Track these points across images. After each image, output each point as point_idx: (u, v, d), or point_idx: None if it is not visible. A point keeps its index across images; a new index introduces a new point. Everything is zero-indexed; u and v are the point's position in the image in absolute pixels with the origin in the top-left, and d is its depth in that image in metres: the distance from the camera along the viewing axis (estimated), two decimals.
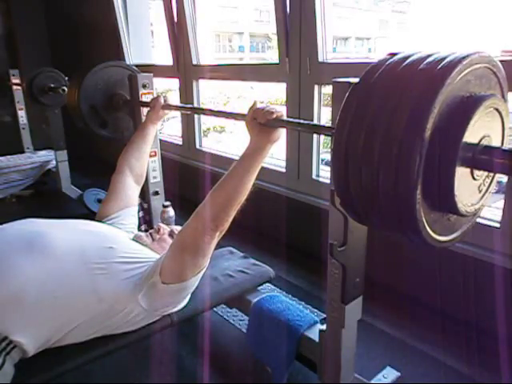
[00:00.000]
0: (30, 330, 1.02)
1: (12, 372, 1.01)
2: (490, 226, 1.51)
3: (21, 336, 1.01)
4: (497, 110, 0.69)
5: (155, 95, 1.74)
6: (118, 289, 1.13)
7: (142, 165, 1.65)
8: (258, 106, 1.12)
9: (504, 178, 1.43)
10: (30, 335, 1.02)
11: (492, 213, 1.54)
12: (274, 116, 1.07)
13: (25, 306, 1.03)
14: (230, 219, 1.13)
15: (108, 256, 1.18)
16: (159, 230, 1.44)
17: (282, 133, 1.15)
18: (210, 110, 1.51)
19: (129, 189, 1.57)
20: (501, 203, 1.49)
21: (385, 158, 0.63)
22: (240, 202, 1.12)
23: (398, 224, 0.69)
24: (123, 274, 1.16)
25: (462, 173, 0.66)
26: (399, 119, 0.62)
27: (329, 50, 1.98)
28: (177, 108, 1.78)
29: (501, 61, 0.72)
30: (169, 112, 1.72)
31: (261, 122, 1.09)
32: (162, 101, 1.63)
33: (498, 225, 1.49)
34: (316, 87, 2.03)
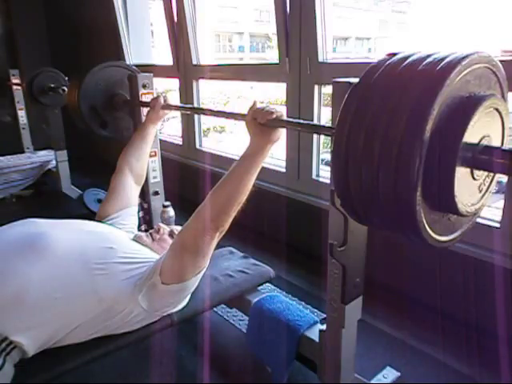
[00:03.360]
0: (30, 331, 1.02)
1: (12, 372, 1.01)
2: (489, 226, 1.51)
3: (21, 337, 1.01)
4: (497, 109, 0.69)
5: (155, 95, 1.74)
6: (118, 289, 1.13)
7: (142, 165, 1.65)
8: (258, 106, 1.11)
9: (504, 178, 1.43)
10: (31, 336, 1.02)
11: (492, 213, 1.54)
12: (274, 116, 1.07)
13: (25, 307, 1.03)
14: (231, 219, 1.13)
15: (108, 256, 1.18)
16: (159, 230, 1.44)
17: (282, 133, 1.15)
18: (210, 110, 1.51)
19: (129, 189, 1.57)
20: (501, 203, 1.49)
21: (385, 159, 0.63)
22: (240, 202, 1.12)
23: (398, 224, 0.69)
24: (123, 275, 1.16)
25: (462, 173, 0.66)
26: (399, 120, 0.62)
27: (329, 50, 1.98)
28: (177, 108, 1.78)
29: (501, 61, 0.72)
30: (169, 112, 1.72)
31: (261, 122, 1.09)
32: (162, 101, 1.63)
33: (498, 225, 1.49)
34: (316, 87, 2.03)
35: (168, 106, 1.66)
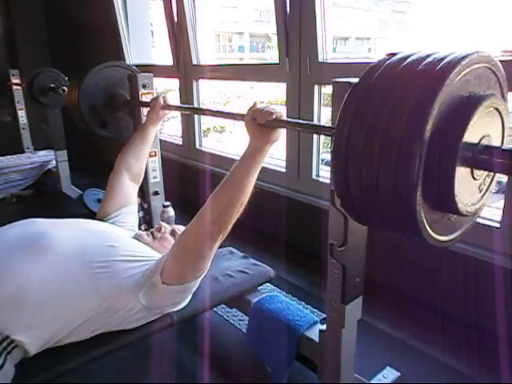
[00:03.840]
0: (31, 330, 1.03)
1: (13, 372, 1.01)
2: (490, 226, 1.51)
3: (22, 336, 1.01)
4: (497, 109, 0.69)
5: (155, 95, 1.74)
6: (120, 287, 1.13)
7: (141, 165, 1.65)
8: (258, 106, 1.11)
9: (504, 178, 1.43)
10: (32, 335, 1.03)
11: (492, 213, 1.54)
12: (274, 116, 1.07)
13: (26, 306, 1.03)
14: (233, 221, 1.12)
15: (110, 254, 1.18)
16: (160, 228, 1.44)
17: (282, 133, 1.15)
18: (210, 110, 1.51)
19: (126, 187, 1.57)
20: (501, 203, 1.49)
21: (385, 159, 0.63)
22: (242, 204, 1.12)
23: (399, 224, 0.69)
24: (125, 273, 1.16)
25: (462, 173, 0.66)
26: (399, 120, 0.62)
27: (329, 50, 1.98)
28: (176, 108, 1.78)
29: (501, 61, 0.72)
30: (169, 112, 1.72)
31: (260, 123, 1.09)
32: (162, 101, 1.63)
33: (498, 225, 1.49)
34: (316, 87, 2.03)
35: (168, 107, 1.66)
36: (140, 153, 1.64)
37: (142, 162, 1.65)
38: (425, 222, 0.66)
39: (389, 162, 0.63)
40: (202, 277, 1.22)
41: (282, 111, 1.09)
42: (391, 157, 0.62)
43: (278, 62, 2.16)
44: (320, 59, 1.97)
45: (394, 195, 0.64)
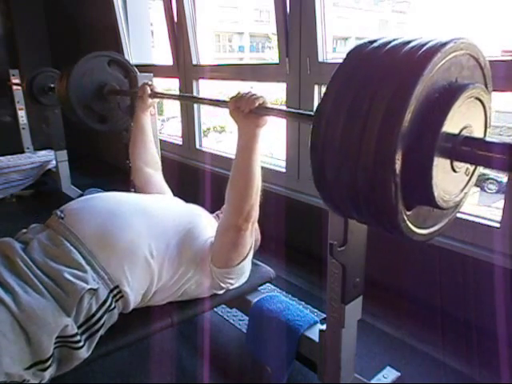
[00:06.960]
0: (135, 284, 1.12)
1: (115, 319, 1.11)
2: (489, 226, 1.51)
3: (127, 287, 1.10)
4: (479, 99, 0.66)
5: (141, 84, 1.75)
6: (197, 253, 1.24)
7: (152, 153, 1.69)
8: (241, 94, 1.11)
9: (504, 178, 1.43)
10: (134, 289, 1.12)
11: (492, 213, 1.54)
12: (257, 104, 1.07)
13: (135, 259, 1.13)
14: (256, 207, 1.18)
15: (196, 221, 1.32)
16: (222, 212, 1.53)
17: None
18: (195, 98, 1.54)
19: (155, 180, 1.64)
20: (501, 203, 1.49)
21: (363, 149, 0.61)
22: (257, 190, 1.16)
23: (377, 217, 0.67)
24: (204, 241, 1.27)
25: (441, 164, 0.63)
26: (378, 109, 0.60)
27: (329, 50, 1.98)
28: (163, 96, 1.78)
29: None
30: (157, 100, 1.75)
31: (245, 112, 1.08)
32: (149, 90, 1.65)
33: (497, 225, 1.49)
34: (316, 87, 2.03)
35: (155, 94, 1.68)
36: (145, 143, 1.67)
37: (151, 150, 1.69)
38: (403, 214, 0.64)
39: (367, 153, 0.61)
40: (248, 259, 1.30)
41: (264, 96, 1.09)
42: (369, 148, 0.60)
43: (278, 62, 2.16)
44: (320, 59, 1.97)
45: (373, 187, 0.62)
